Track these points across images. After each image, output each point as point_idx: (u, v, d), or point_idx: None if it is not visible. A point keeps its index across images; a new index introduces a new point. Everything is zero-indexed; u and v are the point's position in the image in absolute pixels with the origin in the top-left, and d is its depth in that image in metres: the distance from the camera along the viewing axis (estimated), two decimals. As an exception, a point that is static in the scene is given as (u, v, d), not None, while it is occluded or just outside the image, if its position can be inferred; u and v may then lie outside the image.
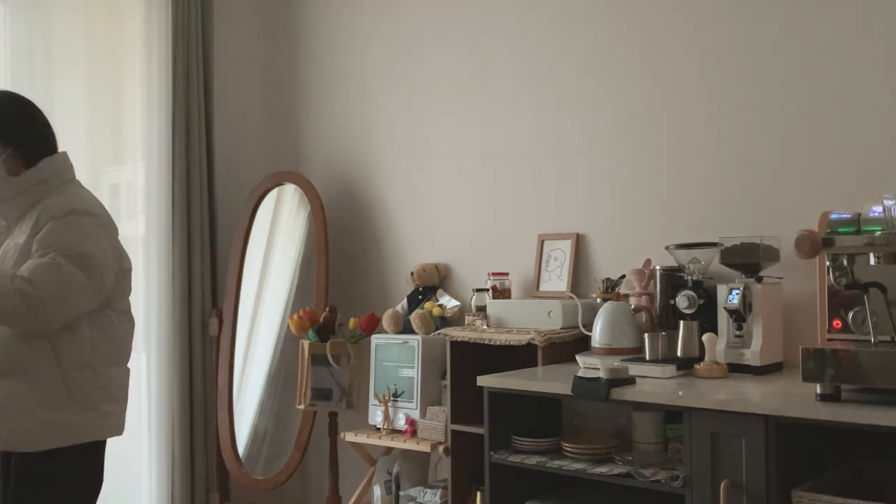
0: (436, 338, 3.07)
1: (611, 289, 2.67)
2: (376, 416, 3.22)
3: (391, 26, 3.64)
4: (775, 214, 2.61)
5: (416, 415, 3.10)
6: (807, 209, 2.46)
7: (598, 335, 2.60)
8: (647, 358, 2.44)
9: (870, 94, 2.48)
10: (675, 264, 2.58)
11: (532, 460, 2.42)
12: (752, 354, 2.40)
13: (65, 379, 2.11)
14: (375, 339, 3.32)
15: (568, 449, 2.42)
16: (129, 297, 2.32)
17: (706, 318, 2.48)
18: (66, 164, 2.26)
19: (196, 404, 3.72)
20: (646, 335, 2.46)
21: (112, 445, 2.29)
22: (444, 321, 3.23)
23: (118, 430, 2.26)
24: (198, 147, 3.77)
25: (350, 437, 3.26)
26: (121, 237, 2.29)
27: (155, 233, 3.63)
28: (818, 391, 1.97)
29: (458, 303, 3.29)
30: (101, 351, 2.18)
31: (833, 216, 2.16)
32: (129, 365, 2.31)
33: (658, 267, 2.68)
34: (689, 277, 2.51)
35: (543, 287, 3.10)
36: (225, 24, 3.97)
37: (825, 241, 2.05)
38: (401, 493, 3.13)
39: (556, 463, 2.38)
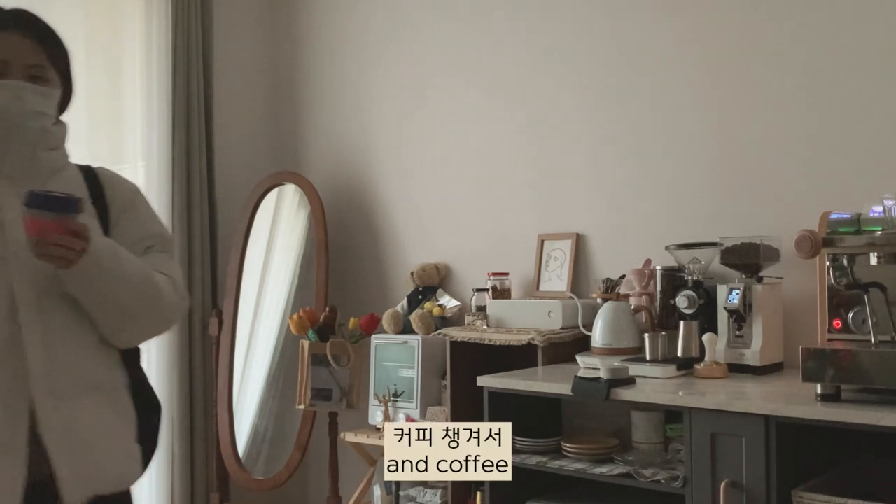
0: (436, 338, 3.07)
1: (611, 289, 2.67)
2: (376, 416, 3.22)
3: (391, 26, 3.64)
4: (775, 214, 2.61)
5: (416, 415, 3.10)
6: (807, 209, 2.46)
7: (598, 335, 2.60)
8: (647, 358, 2.44)
9: (870, 93, 2.47)
10: (675, 264, 2.58)
11: (532, 460, 2.42)
12: (753, 354, 2.40)
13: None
14: (375, 339, 3.31)
15: (568, 449, 2.42)
16: None
17: (706, 318, 2.47)
18: None
19: (196, 404, 3.72)
20: (646, 335, 2.46)
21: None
22: (444, 321, 3.23)
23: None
24: (198, 147, 3.76)
25: (350, 437, 3.26)
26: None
27: (155, 233, 3.62)
28: (818, 391, 1.97)
29: (458, 303, 3.29)
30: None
31: (833, 216, 2.16)
32: None
33: (658, 267, 2.68)
34: (690, 277, 2.50)
35: (543, 287, 3.09)
36: (225, 24, 3.96)
37: (825, 241, 2.05)
38: (401, 493, 3.13)
39: (556, 463, 2.39)
